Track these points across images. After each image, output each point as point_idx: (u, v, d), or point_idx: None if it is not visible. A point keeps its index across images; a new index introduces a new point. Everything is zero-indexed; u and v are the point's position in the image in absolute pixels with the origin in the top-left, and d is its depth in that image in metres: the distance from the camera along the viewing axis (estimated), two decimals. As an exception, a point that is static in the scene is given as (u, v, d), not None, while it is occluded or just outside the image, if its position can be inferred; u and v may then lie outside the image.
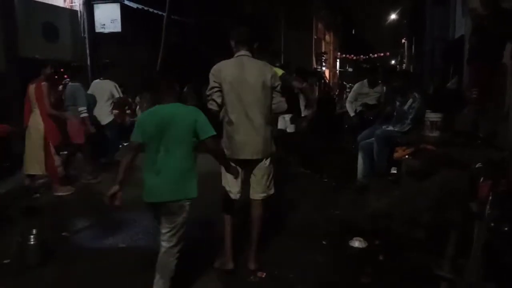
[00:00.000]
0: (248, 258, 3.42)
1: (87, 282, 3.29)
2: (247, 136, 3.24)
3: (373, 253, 3.74)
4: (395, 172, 5.15)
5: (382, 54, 33.18)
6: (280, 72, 4.37)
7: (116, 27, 10.37)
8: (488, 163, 3.08)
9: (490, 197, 2.62)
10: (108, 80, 6.82)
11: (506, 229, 2.28)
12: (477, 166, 3.21)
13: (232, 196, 3.36)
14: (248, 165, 3.34)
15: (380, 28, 33.61)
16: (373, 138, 5.41)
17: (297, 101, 6.41)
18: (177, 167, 2.76)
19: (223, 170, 3.25)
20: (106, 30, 10.39)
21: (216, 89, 3.23)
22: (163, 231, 2.81)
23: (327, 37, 36.72)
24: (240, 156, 3.26)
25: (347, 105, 6.80)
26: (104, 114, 6.65)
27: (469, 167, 3.34)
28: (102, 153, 6.85)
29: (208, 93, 3.29)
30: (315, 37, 30.63)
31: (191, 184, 2.82)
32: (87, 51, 9.94)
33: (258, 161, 3.32)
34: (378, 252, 3.72)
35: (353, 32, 44.25)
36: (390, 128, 5.36)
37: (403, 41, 25.79)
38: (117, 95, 6.81)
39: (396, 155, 4.96)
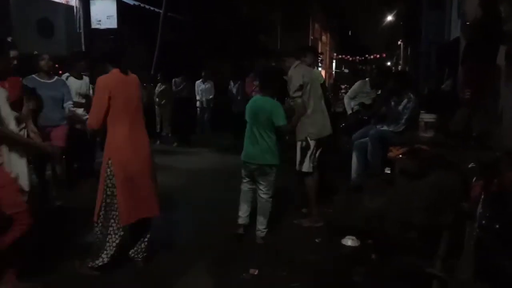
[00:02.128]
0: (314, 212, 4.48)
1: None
2: (326, 119, 4.48)
3: (366, 252, 3.75)
4: (389, 172, 5.17)
5: (378, 56, 33.33)
6: None
7: (112, 24, 10.31)
8: (481, 163, 3.10)
9: (482, 197, 2.64)
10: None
11: (497, 226, 2.30)
12: (469, 166, 3.23)
13: (312, 170, 4.36)
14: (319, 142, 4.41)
15: (376, 29, 33.71)
16: (367, 138, 5.43)
17: None
18: (265, 142, 3.83)
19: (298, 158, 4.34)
20: (102, 26, 10.33)
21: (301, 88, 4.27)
22: (261, 187, 3.93)
23: (323, 37, 36.83)
24: (323, 134, 4.42)
25: (345, 100, 6.76)
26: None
27: (462, 167, 3.35)
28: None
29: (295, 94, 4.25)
30: (312, 37, 30.72)
31: (274, 155, 3.88)
32: (83, 47, 9.87)
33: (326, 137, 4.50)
34: (371, 251, 3.73)
35: (350, 33, 44.39)
36: (385, 128, 5.39)
37: (399, 42, 25.88)
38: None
39: (390, 155, 4.97)
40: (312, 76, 4.46)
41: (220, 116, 10.79)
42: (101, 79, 3.12)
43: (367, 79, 6.75)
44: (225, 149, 8.67)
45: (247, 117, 4.01)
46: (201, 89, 10.75)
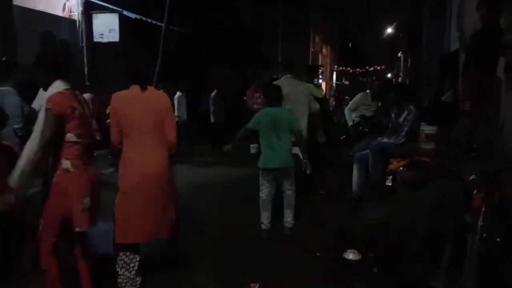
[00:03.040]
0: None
1: None
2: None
3: (367, 265, 3.72)
4: (390, 184, 5.15)
5: (378, 67, 33.46)
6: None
7: (114, 37, 10.42)
8: (482, 175, 3.09)
9: (483, 209, 2.63)
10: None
11: (498, 239, 2.28)
12: (471, 178, 3.22)
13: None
14: None
15: (377, 41, 33.91)
16: (368, 150, 5.42)
17: None
18: (285, 147, 4.31)
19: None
20: (104, 40, 10.45)
21: None
22: (285, 184, 4.43)
23: (324, 50, 37.03)
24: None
25: (346, 112, 6.77)
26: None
27: (463, 179, 3.34)
28: None
29: None
30: (312, 49, 30.91)
31: (291, 157, 4.39)
32: (85, 61, 9.97)
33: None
34: (372, 264, 3.71)
35: (350, 45, 44.62)
36: (385, 140, 5.38)
37: (399, 54, 25.99)
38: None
39: (391, 167, 4.95)
40: (296, 89, 5.01)
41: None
42: (113, 95, 3.14)
43: (368, 91, 6.76)
44: (218, 162, 8.73)
45: (263, 128, 4.32)
46: (183, 102, 10.64)
